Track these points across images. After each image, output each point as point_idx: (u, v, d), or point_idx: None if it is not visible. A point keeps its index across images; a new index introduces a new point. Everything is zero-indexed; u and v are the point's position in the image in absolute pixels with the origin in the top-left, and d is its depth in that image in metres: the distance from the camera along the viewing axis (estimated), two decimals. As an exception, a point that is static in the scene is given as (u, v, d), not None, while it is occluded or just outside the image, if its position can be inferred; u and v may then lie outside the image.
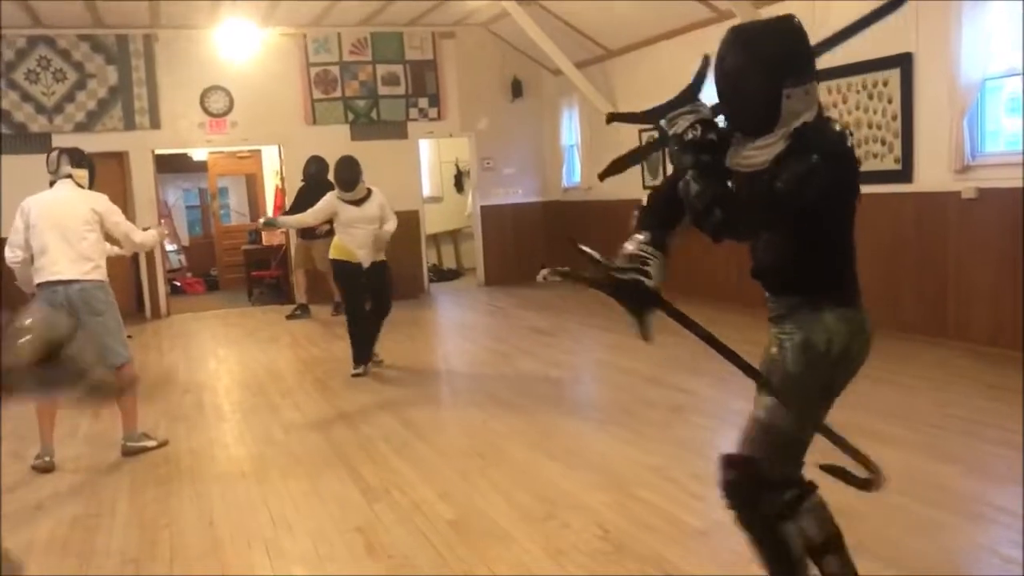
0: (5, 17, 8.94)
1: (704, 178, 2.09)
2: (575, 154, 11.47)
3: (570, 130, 11.50)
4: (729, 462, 2.33)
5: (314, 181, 8.99)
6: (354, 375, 6.41)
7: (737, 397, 4.54)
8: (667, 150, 2.18)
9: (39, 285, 4.56)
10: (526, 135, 11.76)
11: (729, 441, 4.91)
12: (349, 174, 6.30)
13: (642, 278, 2.23)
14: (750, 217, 2.15)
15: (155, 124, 10.14)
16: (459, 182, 13.37)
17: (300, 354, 7.67)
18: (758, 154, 2.14)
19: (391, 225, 6.40)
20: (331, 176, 8.31)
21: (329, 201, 6.40)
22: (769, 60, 2.11)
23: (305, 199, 8.17)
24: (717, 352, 2.28)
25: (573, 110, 11.30)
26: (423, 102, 11.22)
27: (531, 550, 3.27)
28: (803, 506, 2.34)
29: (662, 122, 2.14)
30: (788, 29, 2.16)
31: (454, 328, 9.53)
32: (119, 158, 10.03)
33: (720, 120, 2.21)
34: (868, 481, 2.24)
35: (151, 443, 4.88)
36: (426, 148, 12.37)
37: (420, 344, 8.21)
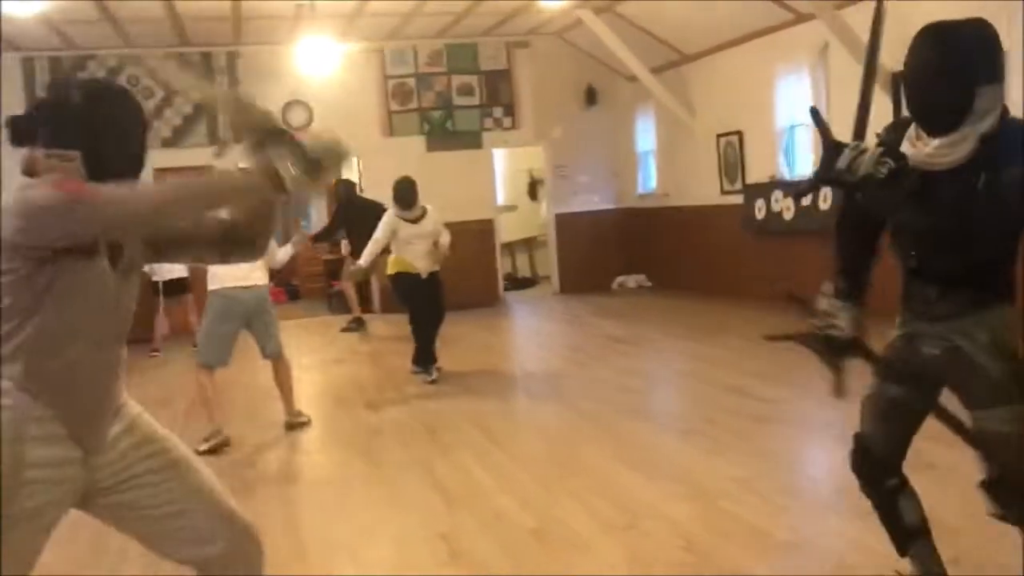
0: (98, 39, 9.39)
1: (927, 204, 2.12)
2: (651, 160, 11.38)
3: (645, 136, 11.41)
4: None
5: (348, 202, 9.38)
6: (429, 382, 6.51)
7: (823, 408, 4.43)
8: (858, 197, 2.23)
9: (215, 291, 5.19)
10: (601, 142, 11.71)
11: (817, 454, 4.77)
12: (408, 194, 6.68)
13: (833, 332, 2.30)
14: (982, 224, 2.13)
15: (238, 139, 10.42)
16: (533, 190, 13.40)
17: (379, 363, 7.78)
18: (948, 152, 2.12)
19: (446, 239, 6.75)
20: (369, 196, 9.41)
21: (389, 221, 6.70)
22: (965, 58, 2.10)
23: (346, 218, 9.12)
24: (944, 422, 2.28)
25: (648, 116, 11.22)
26: (497, 112, 11.29)
27: (612, 561, 3.24)
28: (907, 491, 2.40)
29: (839, 171, 2.14)
30: (983, 29, 2.16)
31: (530, 336, 9.53)
32: (204, 173, 10.35)
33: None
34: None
35: (304, 418, 5.60)
36: (500, 157, 12.42)
37: (496, 352, 8.24)
